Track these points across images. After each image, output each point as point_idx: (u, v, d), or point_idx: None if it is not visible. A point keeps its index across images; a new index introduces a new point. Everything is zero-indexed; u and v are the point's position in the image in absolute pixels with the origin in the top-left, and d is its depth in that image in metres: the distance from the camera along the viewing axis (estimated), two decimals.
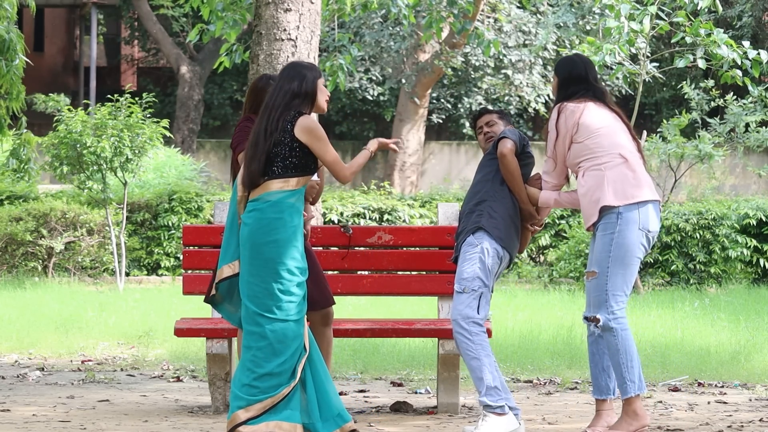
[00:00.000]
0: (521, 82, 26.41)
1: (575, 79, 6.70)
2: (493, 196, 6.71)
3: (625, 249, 6.49)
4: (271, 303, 6.11)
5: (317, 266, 6.90)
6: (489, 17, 24.88)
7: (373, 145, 6.43)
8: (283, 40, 8.93)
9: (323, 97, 6.32)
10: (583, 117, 6.59)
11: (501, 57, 26.18)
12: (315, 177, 6.95)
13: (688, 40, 12.17)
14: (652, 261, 16.56)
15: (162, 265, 18.03)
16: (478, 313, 6.53)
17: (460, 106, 28.32)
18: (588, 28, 24.53)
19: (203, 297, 6.49)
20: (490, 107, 6.37)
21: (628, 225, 6.49)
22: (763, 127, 18.23)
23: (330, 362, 6.96)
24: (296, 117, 6.16)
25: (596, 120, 6.60)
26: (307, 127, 6.13)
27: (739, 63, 11.72)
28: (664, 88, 28.35)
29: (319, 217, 11.04)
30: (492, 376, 6.45)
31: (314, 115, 6.45)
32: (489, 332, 6.82)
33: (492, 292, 6.75)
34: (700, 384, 8.93)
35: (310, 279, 6.52)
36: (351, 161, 6.27)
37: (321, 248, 7.68)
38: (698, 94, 18.59)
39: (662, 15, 13.18)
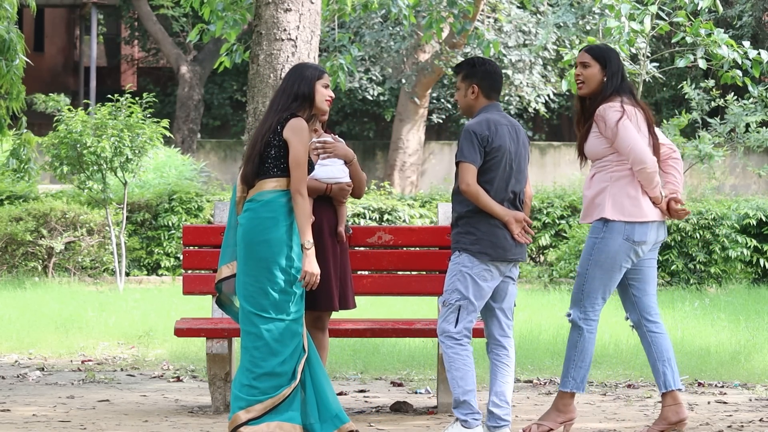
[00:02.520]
0: (521, 82, 26.40)
1: (619, 72, 6.66)
2: (470, 211, 6.44)
3: (605, 255, 6.56)
4: (265, 302, 6.10)
5: (329, 268, 6.72)
6: (489, 17, 24.87)
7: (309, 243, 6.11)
8: (283, 40, 8.92)
9: (322, 98, 6.28)
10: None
11: (501, 57, 26.16)
12: (347, 179, 6.92)
13: (689, 40, 12.14)
14: None
15: (162, 265, 18.02)
16: (455, 327, 6.42)
17: None
18: (588, 28, 24.51)
19: (203, 297, 6.50)
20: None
21: (612, 234, 6.55)
22: (764, 128, 18.25)
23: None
24: (288, 119, 6.16)
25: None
26: (292, 126, 6.13)
27: (740, 63, 11.69)
28: (665, 88, 28.34)
29: None
30: (461, 390, 6.37)
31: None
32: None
33: (509, 288, 6.53)
34: (700, 384, 8.92)
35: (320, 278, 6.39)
36: (304, 204, 6.08)
37: None
38: (698, 94, 18.60)
39: (662, 15, 13.16)
